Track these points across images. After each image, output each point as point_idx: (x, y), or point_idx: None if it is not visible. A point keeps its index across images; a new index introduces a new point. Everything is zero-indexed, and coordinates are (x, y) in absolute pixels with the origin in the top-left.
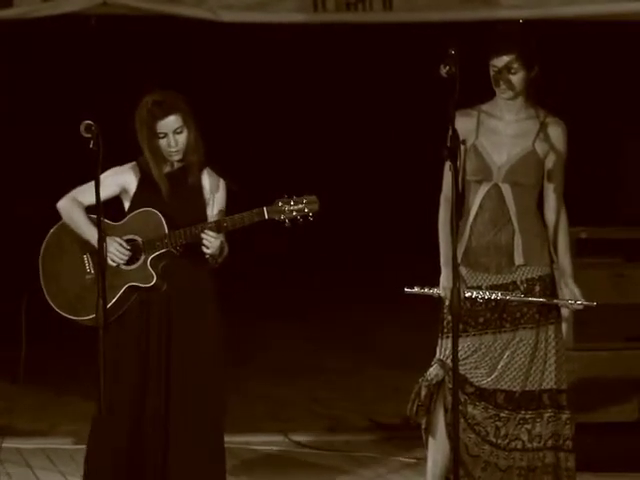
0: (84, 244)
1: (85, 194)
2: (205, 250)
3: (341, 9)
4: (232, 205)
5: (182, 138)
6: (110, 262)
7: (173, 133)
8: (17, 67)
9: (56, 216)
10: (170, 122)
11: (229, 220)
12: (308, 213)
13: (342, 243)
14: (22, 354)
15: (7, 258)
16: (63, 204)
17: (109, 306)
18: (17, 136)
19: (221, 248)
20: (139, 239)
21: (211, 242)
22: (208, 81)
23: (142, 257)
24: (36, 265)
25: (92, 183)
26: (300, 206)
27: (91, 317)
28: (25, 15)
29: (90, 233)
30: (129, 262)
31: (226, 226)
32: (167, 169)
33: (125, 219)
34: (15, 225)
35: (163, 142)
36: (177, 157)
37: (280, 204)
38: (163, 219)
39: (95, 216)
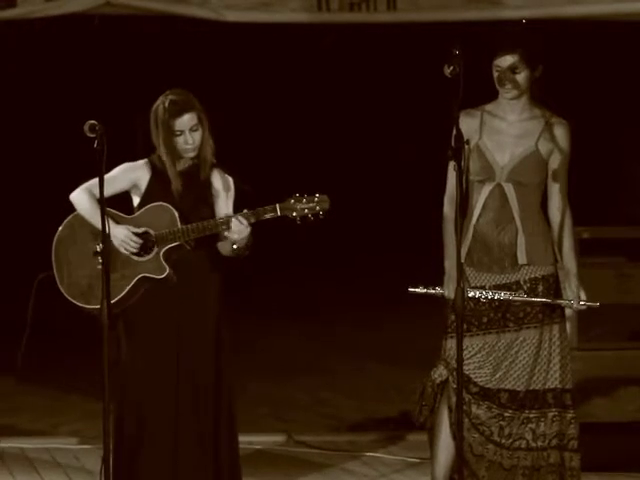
0: (97, 234)
1: (98, 187)
2: (232, 236)
3: (345, 9)
4: (241, 203)
5: (197, 135)
6: (122, 250)
7: (189, 131)
8: (20, 67)
9: (66, 207)
10: (187, 120)
11: (242, 216)
12: (319, 211)
13: (344, 242)
14: (24, 340)
15: (18, 247)
16: (76, 196)
17: (121, 295)
18: (20, 135)
19: (248, 239)
20: (152, 232)
21: (241, 229)
22: (212, 81)
23: (155, 249)
24: (47, 253)
25: (104, 176)
26: (312, 204)
27: (98, 307)
28: (28, 15)
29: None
30: (142, 254)
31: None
32: (180, 167)
33: (138, 212)
34: (23, 217)
35: (180, 139)
36: (193, 154)
37: (292, 201)
38: (177, 213)
39: (107, 208)
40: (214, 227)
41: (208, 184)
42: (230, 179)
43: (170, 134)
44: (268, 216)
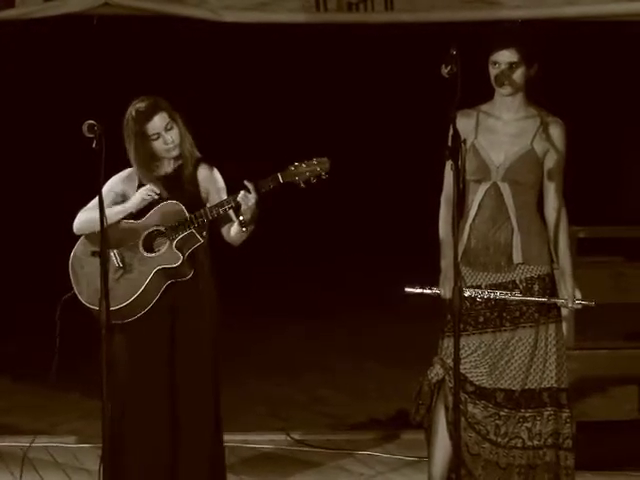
0: (111, 243)
1: (95, 209)
2: (243, 207)
3: (343, 9)
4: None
5: (174, 133)
6: (147, 199)
7: (165, 131)
8: (19, 68)
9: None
10: (158, 120)
11: (247, 188)
12: (321, 172)
13: (343, 242)
14: (55, 358)
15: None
16: (79, 222)
17: (141, 290)
18: (20, 136)
19: (254, 211)
20: (162, 228)
21: (248, 199)
22: (210, 81)
23: (167, 242)
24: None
25: (96, 198)
26: (312, 167)
27: (118, 307)
28: (27, 15)
29: (122, 208)
30: (155, 250)
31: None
32: (165, 170)
33: (146, 216)
34: (20, 217)
35: (158, 143)
36: (175, 152)
37: (293, 168)
38: (182, 205)
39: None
40: (220, 206)
41: (195, 184)
42: (214, 169)
43: (146, 141)
44: (271, 186)
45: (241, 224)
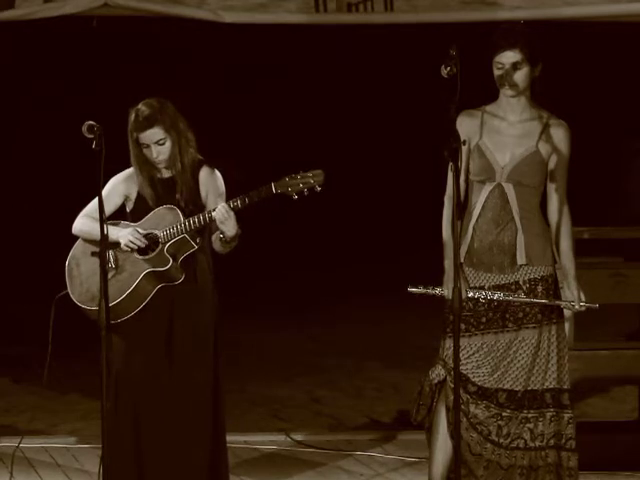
0: (108, 244)
1: (95, 212)
2: (219, 226)
3: (342, 10)
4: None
5: (165, 149)
6: (131, 246)
7: (155, 144)
8: (19, 68)
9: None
10: (150, 134)
11: (239, 199)
12: (314, 185)
13: (343, 242)
14: (48, 357)
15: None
16: (79, 225)
17: (129, 292)
18: (19, 136)
19: (235, 229)
20: (157, 232)
21: (223, 216)
22: (209, 82)
23: (159, 246)
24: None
25: (96, 200)
26: (307, 179)
27: (111, 305)
28: (27, 16)
29: (115, 234)
30: (148, 252)
31: (237, 205)
32: (163, 174)
33: (143, 219)
34: (18, 218)
35: (148, 151)
36: (162, 165)
37: (287, 179)
38: (179, 210)
39: (113, 221)
40: (199, 218)
41: (196, 188)
42: (215, 171)
43: (138, 145)
44: (264, 195)
45: (221, 240)
